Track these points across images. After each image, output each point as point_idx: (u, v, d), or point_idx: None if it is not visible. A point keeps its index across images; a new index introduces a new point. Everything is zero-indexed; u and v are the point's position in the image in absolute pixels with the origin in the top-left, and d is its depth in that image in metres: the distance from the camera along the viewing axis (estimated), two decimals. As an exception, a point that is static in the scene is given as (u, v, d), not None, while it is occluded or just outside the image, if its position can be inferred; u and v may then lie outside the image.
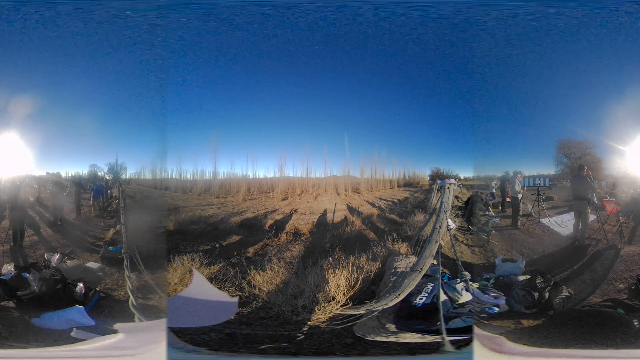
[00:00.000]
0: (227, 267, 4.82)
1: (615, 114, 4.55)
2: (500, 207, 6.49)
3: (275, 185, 7.86)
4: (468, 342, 3.35)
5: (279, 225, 6.65)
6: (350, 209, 7.53)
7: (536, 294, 4.13)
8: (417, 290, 4.13)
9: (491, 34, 4.71)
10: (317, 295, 4.03)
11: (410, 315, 3.90)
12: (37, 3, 4.59)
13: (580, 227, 5.36)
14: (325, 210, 7.30)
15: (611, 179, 5.44)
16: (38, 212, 5.67)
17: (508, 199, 6.32)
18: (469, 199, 6.65)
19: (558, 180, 5.90)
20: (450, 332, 3.37)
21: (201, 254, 5.10)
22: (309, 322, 3.75)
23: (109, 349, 3.42)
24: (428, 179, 8.42)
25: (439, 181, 5.81)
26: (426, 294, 4.11)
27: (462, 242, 5.94)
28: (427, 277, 4.33)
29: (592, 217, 5.37)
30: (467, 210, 6.57)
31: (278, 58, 6.18)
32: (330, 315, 3.88)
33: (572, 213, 5.51)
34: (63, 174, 5.64)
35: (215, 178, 7.60)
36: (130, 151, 5.59)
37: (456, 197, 6.57)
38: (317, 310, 3.88)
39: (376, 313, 3.78)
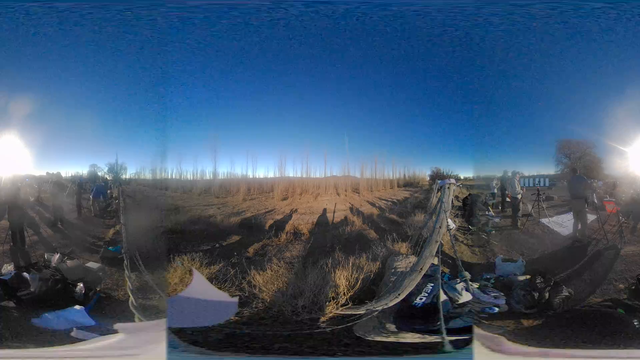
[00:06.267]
0: (227, 267, 4.81)
1: (616, 114, 4.55)
2: (500, 207, 6.49)
3: (275, 185, 7.86)
4: (468, 342, 3.35)
5: (279, 225, 6.65)
6: (350, 209, 7.52)
7: (536, 294, 4.13)
8: (417, 290, 4.13)
9: (491, 34, 4.71)
10: (317, 295, 4.03)
11: (410, 315, 3.90)
12: (37, 3, 4.59)
13: (579, 226, 5.36)
14: (325, 210, 7.30)
15: (611, 179, 5.44)
16: (38, 212, 5.67)
17: (508, 199, 6.32)
18: (465, 198, 6.65)
19: (558, 180, 5.90)
20: (450, 332, 3.37)
21: (201, 254, 5.10)
22: (309, 322, 3.75)
23: (109, 349, 3.41)
24: (428, 179, 8.41)
25: (438, 181, 5.80)
26: (426, 294, 4.11)
27: (462, 242, 5.94)
28: (427, 277, 4.32)
29: (591, 217, 5.37)
30: (466, 210, 6.56)
31: (278, 58, 6.19)
32: (330, 315, 3.88)
33: (572, 213, 5.51)
34: (63, 174, 5.64)
35: (215, 178, 7.60)
36: (130, 151, 5.61)
37: (456, 197, 6.57)
38: (317, 310, 3.88)
39: (376, 313, 3.77)
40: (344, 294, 4.16)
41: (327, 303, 3.98)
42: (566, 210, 5.71)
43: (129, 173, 5.95)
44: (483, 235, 5.95)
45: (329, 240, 6.16)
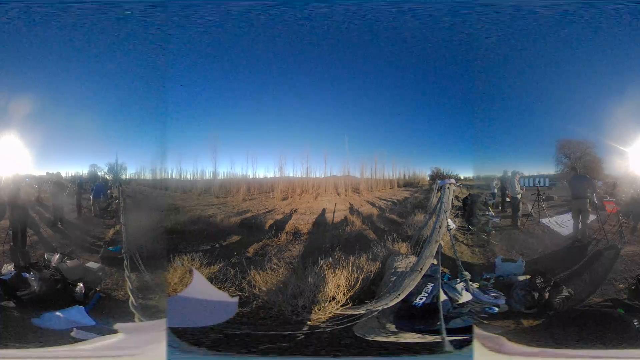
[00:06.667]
0: (227, 267, 4.81)
1: (616, 114, 4.55)
2: (500, 207, 6.49)
3: (275, 185, 7.86)
4: (468, 342, 3.35)
5: (279, 225, 6.65)
6: (350, 209, 7.52)
7: (536, 294, 4.13)
8: (417, 290, 4.13)
9: (491, 34, 4.71)
10: (317, 295, 4.03)
11: (410, 315, 3.90)
12: (36, 3, 4.59)
13: (580, 226, 5.36)
14: (324, 210, 7.30)
15: (611, 179, 5.45)
16: (38, 212, 5.67)
17: (508, 199, 6.32)
18: (465, 198, 6.66)
19: (558, 180, 5.90)
20: (450, 332, 3.37)
21: (201, 254, 5.10)
22: (309, 322, 3.75)
23: (109, 349, 3.41)
24: (428, 179, 8.42)
25: (438, 181, 5.81)
26: (426, 294, 4.11)
27: (462, 242, 5.94)
28: (427, 277, 4.33)
29: (592, 217, 5.37)
30: (466, 210, 6.57)
31: (278, 58, 6.20)
32: (330, 315, 3.88)
33: (571, 213, 5.51)
34: (63, 174, 5.64)
35: (215, 178, 7.61)
36: (130, 151, 5.60)
37: (456, 197, 6.57)
38: (317, 310, 3.88)
39: (376, 313, 3.77)
40: (344, 294, 4.16)
41: (323, 304, 3.97)
42: (566, 210, 5.71)
43: (129, 173, 5.95)
44: (483, 235, 5.95)
45: (328, 240, 6.16)
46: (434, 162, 8.13)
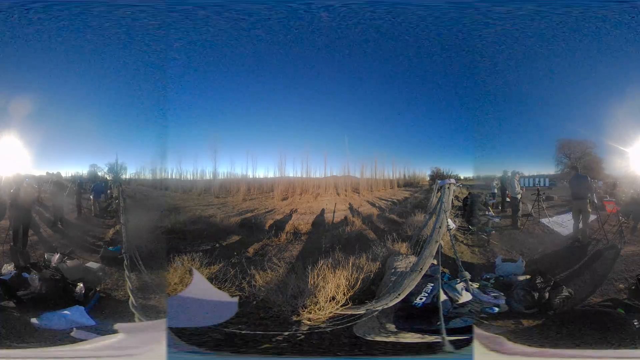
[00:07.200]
0: (227, 267, 4.81)
1: (616, 114, 4.56)
2: (500, 207, 6.49)
3: (275, 185, 7.86)
4: (468, 342, 3.35)
5: (279, 225, 6.65)
6: (350, 209, 7.52)
7: (536, 294, 4.13)
8: (417, 290, 4.13)
9: (491, 34, 4.71)
10: (317, 295, 4.03)
11: (410, 315, 3.90)
12: (37, 4, 4.60)
13: (580, 226, 5.37)
14: (324, 210, 7.30)
15: (611, 179, 5.45)
16: (38, 212, 5.67)
17: (508, 199, 6.32)
18: (465, 198, 6.67)
19: (558, 180, 5.91)
20: (450, 332, 3.37)
21: (201, 254, 5.10)
22: (309, 322, 3.75)
23: (109, 349, 3.42)
24: (428, 179, 8.42)
25: (438, 181, 5.81)
26: (426, 294, 4.11)
27: (462, 242, 5.94)
28: (427, 277, 4.33)
29: (592, 217, 5.37)
30: (466, 210, 6.57)
31: (278, 58, 6.20)
32: (330, 315, 3.88)
33: (571, 213, 5.51)
34: (63, 174, 5.65)
35: (215, 178, 7.61)
36: (130, 151, 5.62)
37: (456, 197, 6.58)
38: (317, 310, 3.88)
39: (376, 313, 3.77)
40: (344, 294, 4.16)
41: (323, 304, 3.96)
42: (566, 210, 5.71)
43: (129, 173, 5.96)
44: (483, 235, 5.95)
45: (328, 240, 6.16)
46: (434, 162, 8.17)
